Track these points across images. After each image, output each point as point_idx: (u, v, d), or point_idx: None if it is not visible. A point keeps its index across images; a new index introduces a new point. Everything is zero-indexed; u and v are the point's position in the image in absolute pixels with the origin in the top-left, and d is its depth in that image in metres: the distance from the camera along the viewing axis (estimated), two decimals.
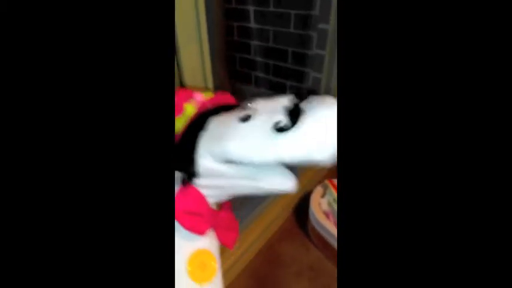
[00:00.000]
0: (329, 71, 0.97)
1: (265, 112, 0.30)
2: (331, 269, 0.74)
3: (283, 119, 0.27)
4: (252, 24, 1.19)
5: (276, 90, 1.27)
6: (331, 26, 0.90)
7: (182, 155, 0.34)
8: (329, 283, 0.71)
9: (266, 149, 0.28)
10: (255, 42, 1.23)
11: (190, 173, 0.34)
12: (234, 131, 0.30)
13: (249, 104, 0.32)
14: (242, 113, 0.31)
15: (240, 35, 1.27)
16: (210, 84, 0.50)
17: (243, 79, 1.38)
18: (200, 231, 0.36)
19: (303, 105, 0.28)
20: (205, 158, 0.33)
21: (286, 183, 0.31)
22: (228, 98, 0.41)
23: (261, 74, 1.29)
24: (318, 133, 0.26)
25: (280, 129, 0.27)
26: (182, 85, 0.47)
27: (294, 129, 0.26)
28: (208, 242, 0.38)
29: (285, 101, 0.29)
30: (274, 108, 0.29)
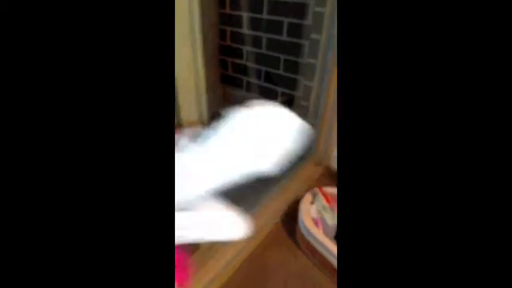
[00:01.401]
0: (320, 79, 0.98)
1: None
2: (319, 277, 0.74)
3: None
4: (245, 30, 1.20)
5: (267, 96, 1.28)
6: (323, 36, 0.92)
7: None
8: None
9: None
10: (247, 48, 1.24)
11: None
12: None
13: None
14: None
15: (233, 40, 1.27)
16: (203, 86, 0.49)
17: (234, 84, 1.38)
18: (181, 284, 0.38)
19: None
20: None
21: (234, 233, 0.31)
22: None
23: (252, 80, 1.30)
24: None
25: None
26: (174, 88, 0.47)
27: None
28: None
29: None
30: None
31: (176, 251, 0.43)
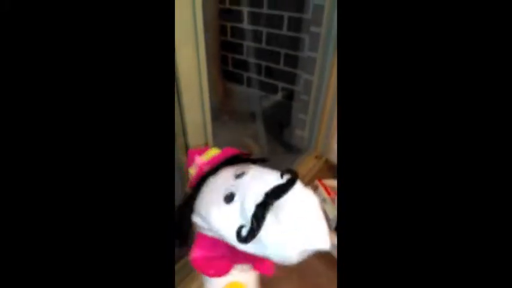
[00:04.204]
0: (320, 73, 0.99)
1: (246, 195, 0.30)
2: (320, 268, 0.76)
3: (247, 225, 0.28)
4: (245, 25, 1.19)
5: (267, 91, 1.28)
6: (323, 29, 0.92)
7: (179, 219, 0.38)
8: (318, 282, 0.72)
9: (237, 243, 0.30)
10: (248, 43, 1.24)
11: (182, 234, 0.38)
12: (217, 210, 0.33)
13: (242, 171, 0.34)
14: (228, 191, 0.33)
15: (234, 35, 1.27)
16: (205, 84, 0.50)
17: (235, 79, 1.39)
18: (223, 274, 0.37)
19: (282, 198, 0.28)
20: (197, 217, 0.37)
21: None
22: (229, 152, 0.43)
23: (253, 75, 1.30)
24: (277, 245, 0.29)
25: (242, 237, 0.29)
26: (177, 84, 0.47)
27: (255, 239, 0.28)
28: (238, 274, 0.40)
29: (267, 187, 0.29)
30: (254, 193, 0.29)
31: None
